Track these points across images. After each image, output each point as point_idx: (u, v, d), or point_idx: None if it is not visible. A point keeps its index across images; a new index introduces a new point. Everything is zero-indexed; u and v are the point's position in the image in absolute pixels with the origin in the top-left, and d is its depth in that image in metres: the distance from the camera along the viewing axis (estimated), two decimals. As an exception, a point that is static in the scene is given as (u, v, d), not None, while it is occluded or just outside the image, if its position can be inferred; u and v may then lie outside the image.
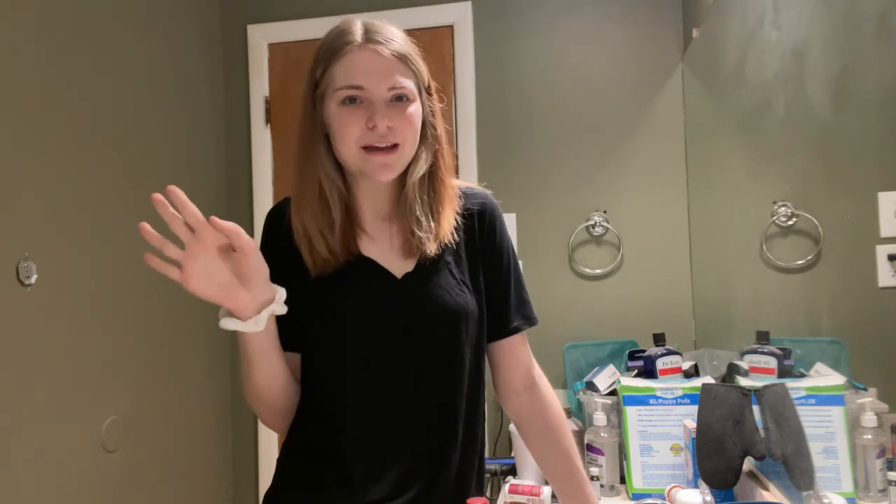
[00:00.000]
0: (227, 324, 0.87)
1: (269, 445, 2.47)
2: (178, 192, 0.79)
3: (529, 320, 1.11)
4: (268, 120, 2.53)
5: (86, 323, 1.81)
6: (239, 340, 0.93)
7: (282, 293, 0.90)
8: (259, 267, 0.86)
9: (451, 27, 2.41)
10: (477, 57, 2.40)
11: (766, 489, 1.36)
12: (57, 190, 1.73)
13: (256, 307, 0.87)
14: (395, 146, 0.95)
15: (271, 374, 0.96)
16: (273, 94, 2.53)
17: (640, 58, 2.30)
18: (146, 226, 0.79)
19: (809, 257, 1.23)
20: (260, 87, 2.53)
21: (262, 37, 2.53)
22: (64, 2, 1.78)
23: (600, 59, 2.33)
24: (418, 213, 1.00)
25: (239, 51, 2.55)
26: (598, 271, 2.29)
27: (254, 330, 0.88)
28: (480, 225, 1.07)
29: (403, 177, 1.01)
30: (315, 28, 2.45)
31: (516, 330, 1.10)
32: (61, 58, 1.77)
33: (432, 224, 1.01)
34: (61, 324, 1.72)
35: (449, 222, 1.02)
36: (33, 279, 1.63)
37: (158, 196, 0.78)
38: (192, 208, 0.80)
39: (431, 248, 1.00)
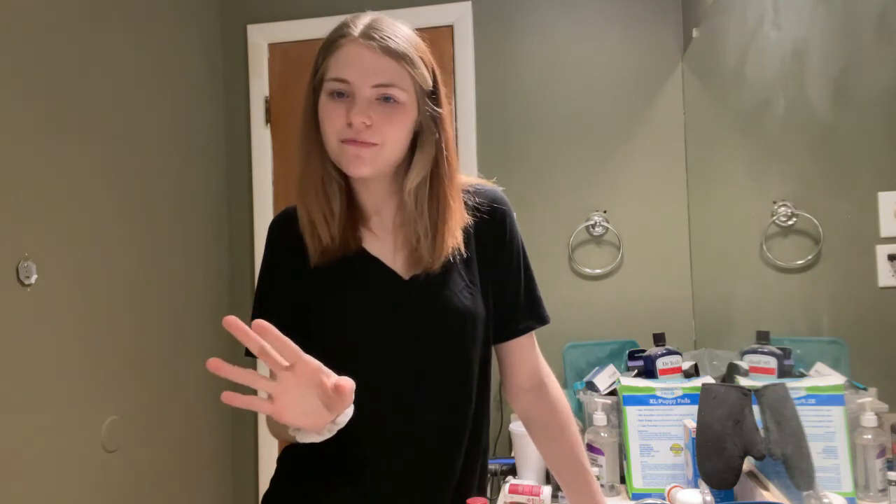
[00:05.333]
0: (305, 437, 0.81)
1: (269, 446, 2.47)
2: (268, 327, 0.73)
3: (541, 319, 1.10)
4: (268, 120, 2.53)
5: (86, 323, 1.81)
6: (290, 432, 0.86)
7: (350, 409, 0.83)
8: (348, 405, 0.80)
9: (451, 27, 2.41)
10: (477, 57, 2.40)
11: (766, 489, 1.36)
12: (57, 190, 1.73)
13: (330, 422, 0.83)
14: (372, 144, 0.92)
15: None
16: (273, 94, 2.53)
17: (640, 58, 2.30)
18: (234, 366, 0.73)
19: (809, 257, 1.23)
20: (260, 87, 2.53)
21: (262, 37, 2.53)
22: (64, 2, 1.78)
23: (600, 58, 2.33)
24: (419, 228, 0.97)
25: (239, 51, 2.55)
26: (598, 271, 2.29)
27: (326, 437, 0.83)
28: (490, 224, 1.05)
29: (403, 184, 0.98)
30: (315, 28, 2.45)
31: (526, 330, 1.09)
32: (61, 58, 1.77)
33: (435, 240, 0.97)
34: (61, 324, 1.72)
35: (454, 237, 0.99)
36: (33, 279, 1.63)
37: (239, 325, 0.72)
38: (290, 345, 0.75)
39: (436, 265, 0.97)
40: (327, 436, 0.83)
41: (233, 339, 0.76)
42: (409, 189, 0.97)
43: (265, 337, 0.73)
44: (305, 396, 0.77)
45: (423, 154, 0.97)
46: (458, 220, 1.00)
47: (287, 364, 0.75)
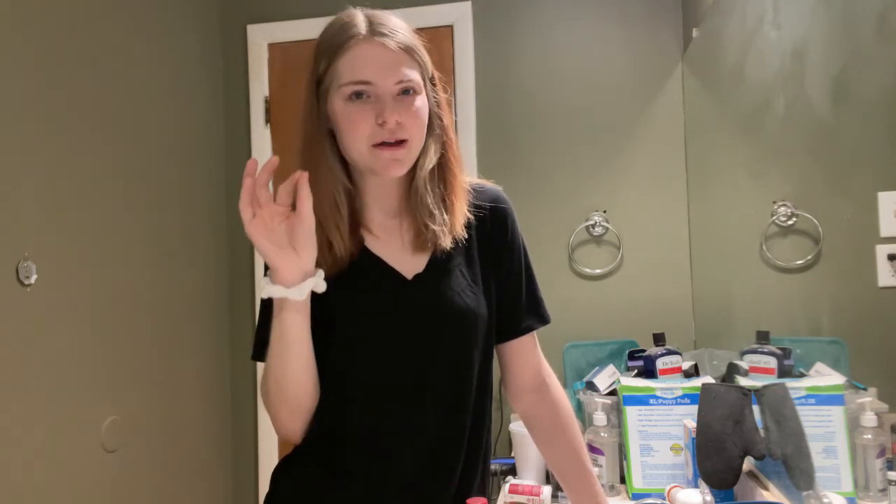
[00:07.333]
0: (272, 290, 0.88)
1: (269, 446, 2.47)
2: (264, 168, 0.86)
3: (543, 319, 1.10)
4: (268, 120, 2.53)
5: (86, 323, 1.81)
6: (275, 327, 0.90)
7: (321, 273, 0.91)
8: (310, 235, 0.88)
9: (450, 27, 2.41)
10: (477, 57, 2.40)
11: (766, 489, 1.36)
12: (57, 189, 1.73)
13: (300, 276, 0.88)
14: (403, 142, 0.93)
15: (305, 363, 0.93)
16: (273, 94, 2.53)
17: (640, 58, 2.30)
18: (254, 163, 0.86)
19: (809, 257, 1.23)
20: (260, 87, 2.53)
21: (262, 37, 2.53)
22: (63, 2, 1.78)
23: (600, 58, 2.33)
24: (431, 205, 0.98)
25: (239, 51, 2.55)
26: (598, 271, 2.29)
27: (296, 297, 0.88)
28: (492, 223, 1.06)
29: (412, 170, 0.99)
30: (315, 28, 2.41)
31: (527, 330, 1.09)
32: (61, 57, 1.77)
33: (446, 216, 0.99)
34: (61, 324, 1.72)
35: (462, 213, 1.00)
36: (33, 279, 1.63)
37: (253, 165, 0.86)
38: (288, 187, 0.87)
39: (446, 242, 0.98)
40: (296, 294, 0.87)
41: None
42: (424, 174, 0.98)
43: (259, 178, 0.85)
44: (276, 226, 0.87)
45: (433, 138, 0.99)
46: (465, 200, 1.01)
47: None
